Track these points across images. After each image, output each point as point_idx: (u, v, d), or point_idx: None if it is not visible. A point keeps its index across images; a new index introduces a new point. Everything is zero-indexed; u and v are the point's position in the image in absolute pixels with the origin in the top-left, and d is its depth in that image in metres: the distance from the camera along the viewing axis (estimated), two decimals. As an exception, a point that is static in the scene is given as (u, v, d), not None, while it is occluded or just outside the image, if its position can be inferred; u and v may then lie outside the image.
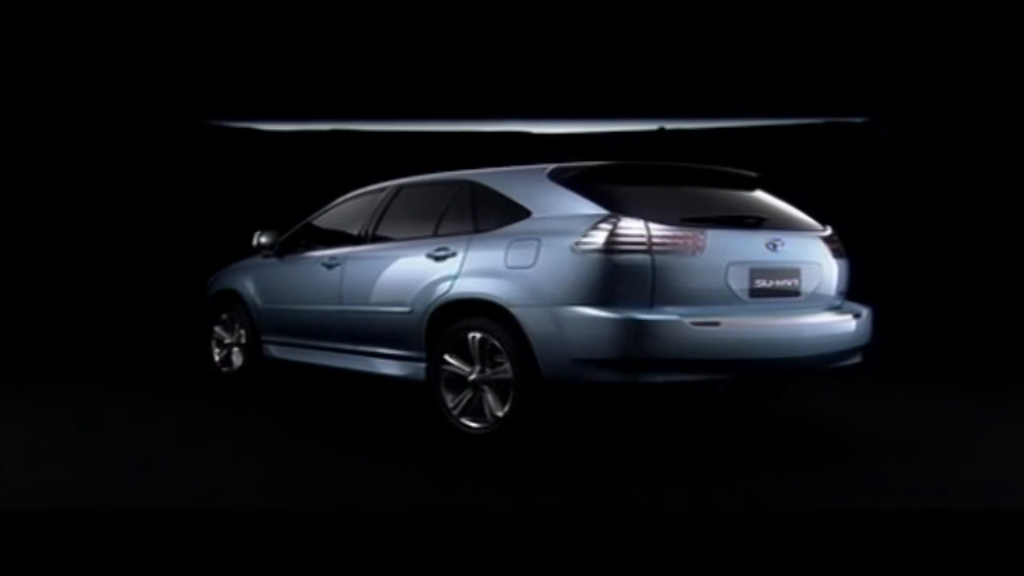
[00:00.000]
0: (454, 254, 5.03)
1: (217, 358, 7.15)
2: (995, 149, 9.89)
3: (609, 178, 4.81)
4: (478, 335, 4.79)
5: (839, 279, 5.13)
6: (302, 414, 5.92)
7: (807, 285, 4.88)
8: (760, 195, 5.30)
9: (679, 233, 4.43)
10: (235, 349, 6.97)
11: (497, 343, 4.68)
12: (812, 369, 5.01)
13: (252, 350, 6.74)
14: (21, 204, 9.85)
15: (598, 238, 4.36)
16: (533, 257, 4.58)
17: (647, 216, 4.44)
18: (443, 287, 5.01)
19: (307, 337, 6.19)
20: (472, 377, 4.85)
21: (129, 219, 10.11)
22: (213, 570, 3.25)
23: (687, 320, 4.30)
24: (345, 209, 6.25)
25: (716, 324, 4.37)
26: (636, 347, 4.27)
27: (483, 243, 4.92)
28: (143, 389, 6.83)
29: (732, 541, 3.47)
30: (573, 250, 4.42)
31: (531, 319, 4.52)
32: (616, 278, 4.33)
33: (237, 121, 10.62)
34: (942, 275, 9.64)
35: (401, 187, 5.85)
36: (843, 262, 5.19)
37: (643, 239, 4.35)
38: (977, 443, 5.13)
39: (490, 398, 4.79)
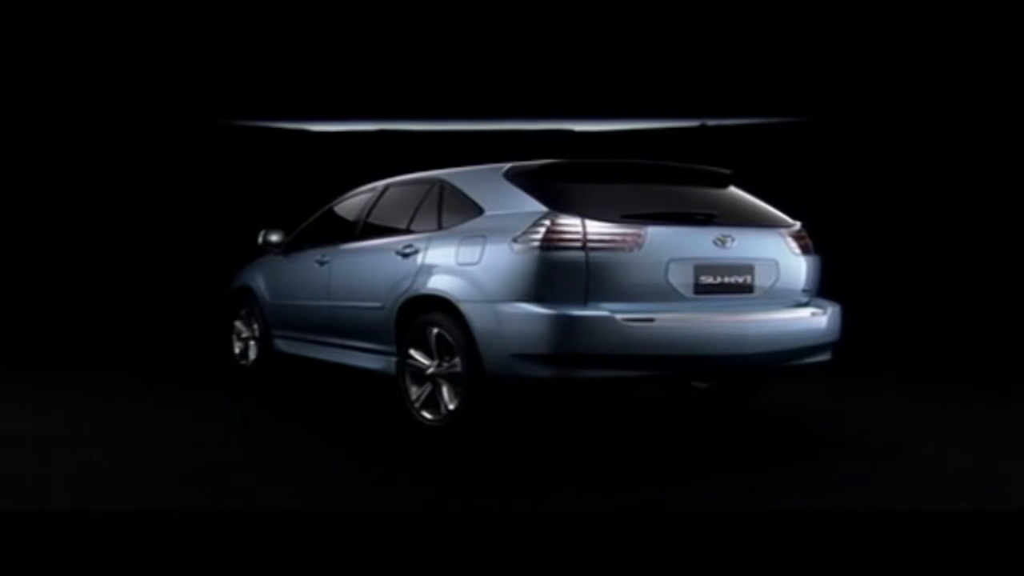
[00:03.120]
0: (417, 251, 5.18)
1: (237, 351, 7.49)
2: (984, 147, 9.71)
3: (564, 176, 4.85)
4: (435, 330, 4.92)
5: (806, 275, 5.06)
6: (299, 403, 6.16)
7: (762, 281, 4.83)
8: (730, 192, 5.26)
9: (615, 230, 4.45)
10: (251, 343, 7.28)
11: (450, 338, 4.80)
12: (766, 366, 4.94)
13: (265, 344, 7.02)
14: (47, 205, 10.34)
15: (535, 235, 4.42)
16: (479, 254, 4.68)
17: (588, 214, 4.47)
18: (406, 283, 5.16)
19: (305, 331, 6.43)
20: (430, 371, 4.99)
21: (163, 217, 10.52)
22: (213, 570, 3.30)
23: (619, 316, 4.32)
24: (342, 208, 6.48)
25: (650, 321, 4.37)
26: (567, 343, 4.31)
27: (440, 241, 5.05)
28: (162, 380, 7.17)
29: (731, 541, 3.47)
30: (512, 247, 4.50)
31: (476, 315, 4.62)
32: (551, 275, 4.39)
33: (274, 121, 10.97)
34: (935, 272, 9.62)
35: (388, 186, 6.03)
36: (812, 258, 5.11)
37: (578, 236, 4.39)
38: (950, 440, 5.03)
39: (445, 392, 4.92)
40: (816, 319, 4.95)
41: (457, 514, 3.66)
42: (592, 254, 4.39)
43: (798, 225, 5.17)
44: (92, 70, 8.86)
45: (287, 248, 6.80)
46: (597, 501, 3.82)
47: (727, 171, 5.36)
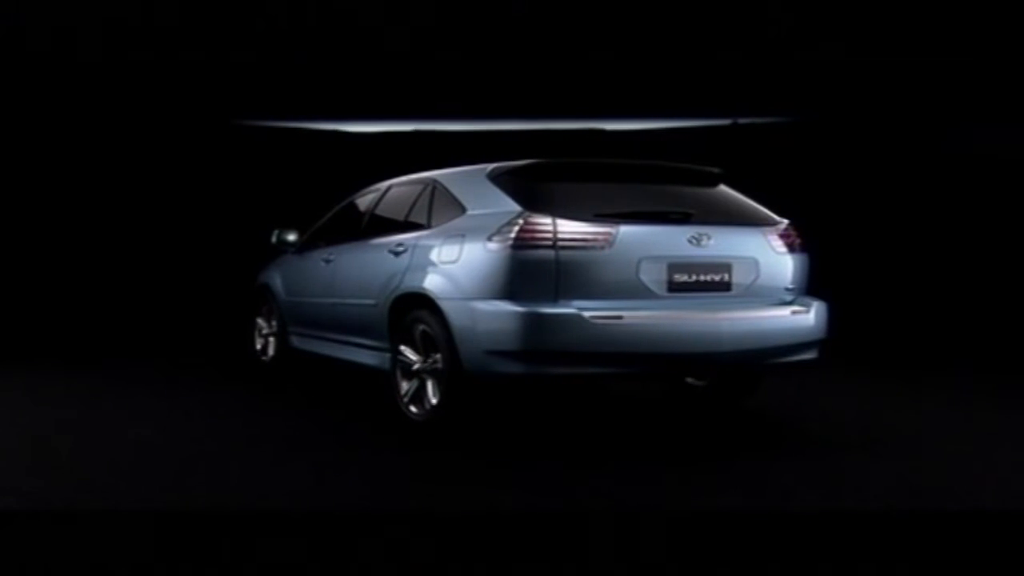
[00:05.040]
0: (406, 250, 5.31)
1: (258, 347, 7.72)
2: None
3: (543, 176, 4.91)
4: (421, 327, 5.03)
5: (792, 274, 5.05)
6: (304, 400, 6.34)
7: (740, 279, 4.83)
8: (718, 191, 5.27)
9: (586, 229, 4.51)
10: (270, 339, 7.50)
11: (433, 335, 4.92)
12: (744, 364, 4.96)
13: (282, 340, 7.23)
14: (77, 208, 10.68)
15: (508, 234, 4.51)
16: (458, 253, 4.79)
17: (561, 213, 4.54)
18: (396, 281, 5.29)
19: (314, 328, 6.61)
20: (416, 367, 5.11)
21: (193, 218, 10.84)
22: (213, 570, 3.31)
23: (587, 314, 4.38)
24: (349, 207, 6.66)
25: (619, 318, 4.42)
26: (536, 340, 4.38)
27: (426, 240, 5.17)
28: (179, 376, 7.43)
29: (731, 541, 3.49)
30: (487, 246, 4.60)
31: (454, 312, 4.73)
32: (522, 273, 4.47)
33: (309, 122, 11.22)
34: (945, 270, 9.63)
35: (390, 186, 6.17)
36: (799, 257, 5.10)
37: (549, 235, 4.47)
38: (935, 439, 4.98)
39: (429, 387, 5.03)
40: (798, 317, 4.93)
41: (456, 514, 3.70)
42: (562, 252, 4.46)
43: (785, 223, 5.15)
44: (122, 71, 9.12)
45: (300, 247, 6.99)
46: (591, 500, 3.85)
47: (716, 170, 5.37)
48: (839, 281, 9.22)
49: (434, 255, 5.00)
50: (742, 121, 10.63)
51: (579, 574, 3.31)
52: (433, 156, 9.31)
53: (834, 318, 5.24)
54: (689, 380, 5.93)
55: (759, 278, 4.90)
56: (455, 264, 4.79)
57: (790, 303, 5.03)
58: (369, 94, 10.27)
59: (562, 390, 6.38)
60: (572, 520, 3.62)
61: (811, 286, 5.32)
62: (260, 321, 7.72)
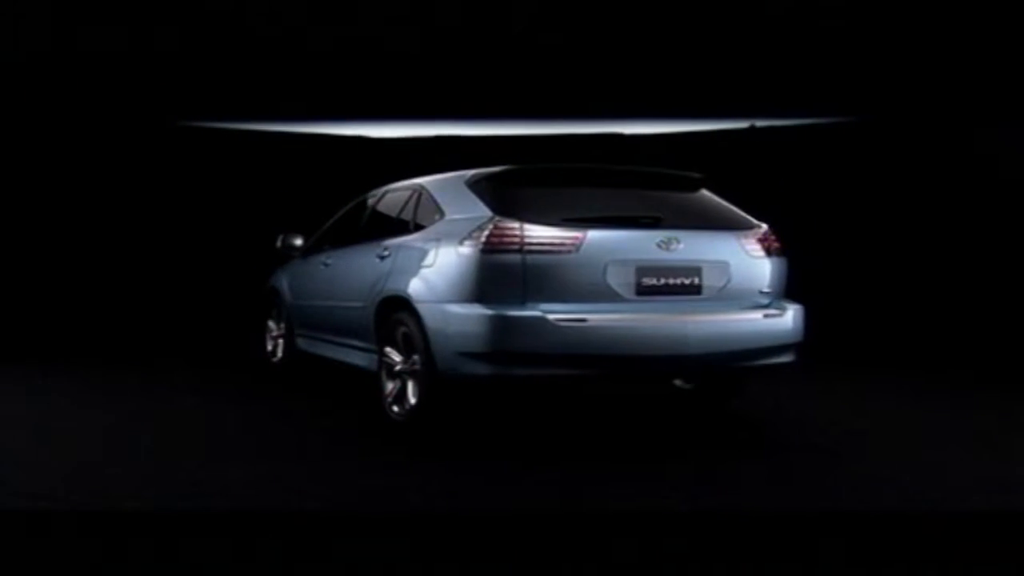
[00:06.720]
0: (390, 254, 5.45)
1: (269, 348, 7.92)
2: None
3: (518, 182, 5.02)
4: (403, 329, 5.17)
5: (769, 277, 5.09)
6: (308, 399, 6.48)
7: (711, 282, 4.87)
8: (698, 196, 5.32)
9: (553, 233, 4.60)
10: (279, 341, 7.69)
11: (412, 336, 5.05)
12: (715, 367, 5.00)
13: (289, 342, 7.42)
14: (103, 214, 10.91)
15: (477, 239, 4.63)
16: (434, 257, 4.93)
17: (530, 218, 4.64)
18: (379, 285, 5.44)
19: (316, 330, 6.78)
20: (398, 368, 5.24)
21: (214, 222, 11.05)
22: (213, 570, 3.33)
23: (551, 317, 4.48)
24: (348, 213, 6.81)
25: (583, 321, 4.51)
26: (502, 342, 4.49)
27: (407, 244, 5.32)
28: (189, 377, 7.67)
29: (731, 541, 3.53)
30: (458, 250, 4.72)
31: (429, 314, 4.85)
32: (490, 276, 4.58)
33: (332, 125, 11.42)
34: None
35: (385, 192, 6.32)
36: (776, 260, 5.13)
37: (516, 239, 4.57)
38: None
39: (410, 388, 5.16)
40: (771, 320, 4.97)
41: (450, 514, 3.76)
42: (529, 257, 4.56)
43: (763, 228, 5.19)
44: (131, 73, 9.31)
45: (306, 251, 7.17)
46: (582, 500, 3.91)
47: (697, 175, 5.42)
48: (848, 283, 9.29)
49: (413, 259, 5.13)
50: (759, 124, 10.60)
51: (579, 574, 3.37)
52: (451, 161, 9.45)
53: (853, 321, 5.23)
54: (677, 383, 5.99)
55: (731, 281, 4.94)
56: (431, 268, 4.92)
57: (765, 306, 5.06)
58: (390, 98, 10.40)
59: (553, 391, 6.46)
60: (571, 520, 3.69)
61: (813, 289, 5.39)
62: (271, 324, 7.92)
